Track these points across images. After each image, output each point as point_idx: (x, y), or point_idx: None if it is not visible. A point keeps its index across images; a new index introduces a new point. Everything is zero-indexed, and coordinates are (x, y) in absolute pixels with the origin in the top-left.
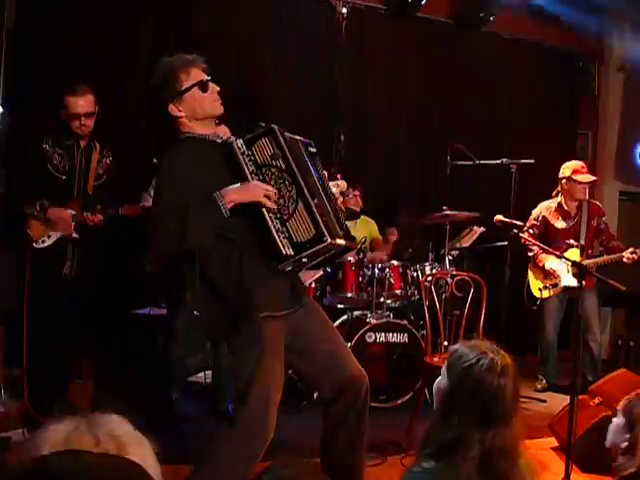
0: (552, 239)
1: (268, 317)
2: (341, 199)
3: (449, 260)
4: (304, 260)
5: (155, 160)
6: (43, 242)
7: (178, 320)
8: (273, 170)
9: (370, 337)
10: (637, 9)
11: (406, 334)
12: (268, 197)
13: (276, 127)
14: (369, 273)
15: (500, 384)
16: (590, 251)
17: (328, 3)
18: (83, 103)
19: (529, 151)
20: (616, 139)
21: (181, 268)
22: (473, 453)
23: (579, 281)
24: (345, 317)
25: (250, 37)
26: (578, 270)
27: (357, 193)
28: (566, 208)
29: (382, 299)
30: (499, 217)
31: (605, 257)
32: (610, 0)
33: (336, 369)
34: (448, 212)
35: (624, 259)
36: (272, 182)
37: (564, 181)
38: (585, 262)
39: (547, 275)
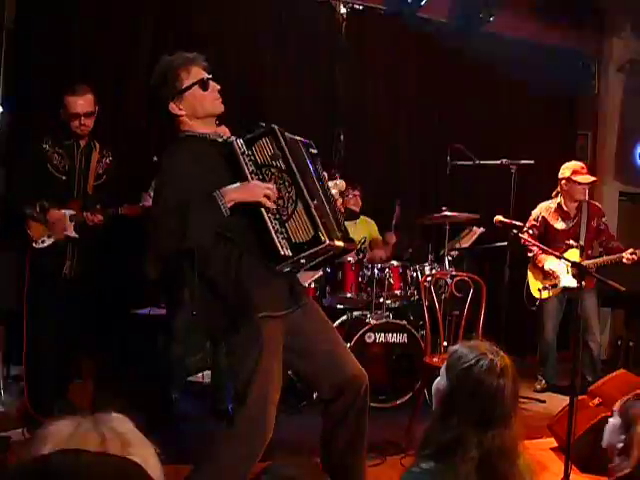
0: (552, 240)
1: (267, 317)
2: (340, 199)
3: (449, 260)
4: (302, 261)
5: (155, 158)
6: (43, 242)
7: (178, 320)
8: (273, 170)
9: (370, 337)
10: (637, 9)
11: (405, 334)
12: (268, 197)
13: (276, 127)
14: (369, 273)
15: (499, 385)
16: (590, 252)
17: (328, 3)
18: (83, 103)
19: (529, 151)
20: (616, 139)
21: (181, 267)
22: (472, 454)
23: (579, 282)
24: (345, 317)
25: (250, 37)
26: (578, 271)
27: (357, 193)
28: (566, 209)
29: (382, 299)
30: (499, 217)
31: (605, 258)
32: (610, 0)
33: (335, 369)
34: (447, 213)
35: (624, 260)
36: (272, 182)
37: (564, 182)
38: (585, 263)
39: (547, 276)
